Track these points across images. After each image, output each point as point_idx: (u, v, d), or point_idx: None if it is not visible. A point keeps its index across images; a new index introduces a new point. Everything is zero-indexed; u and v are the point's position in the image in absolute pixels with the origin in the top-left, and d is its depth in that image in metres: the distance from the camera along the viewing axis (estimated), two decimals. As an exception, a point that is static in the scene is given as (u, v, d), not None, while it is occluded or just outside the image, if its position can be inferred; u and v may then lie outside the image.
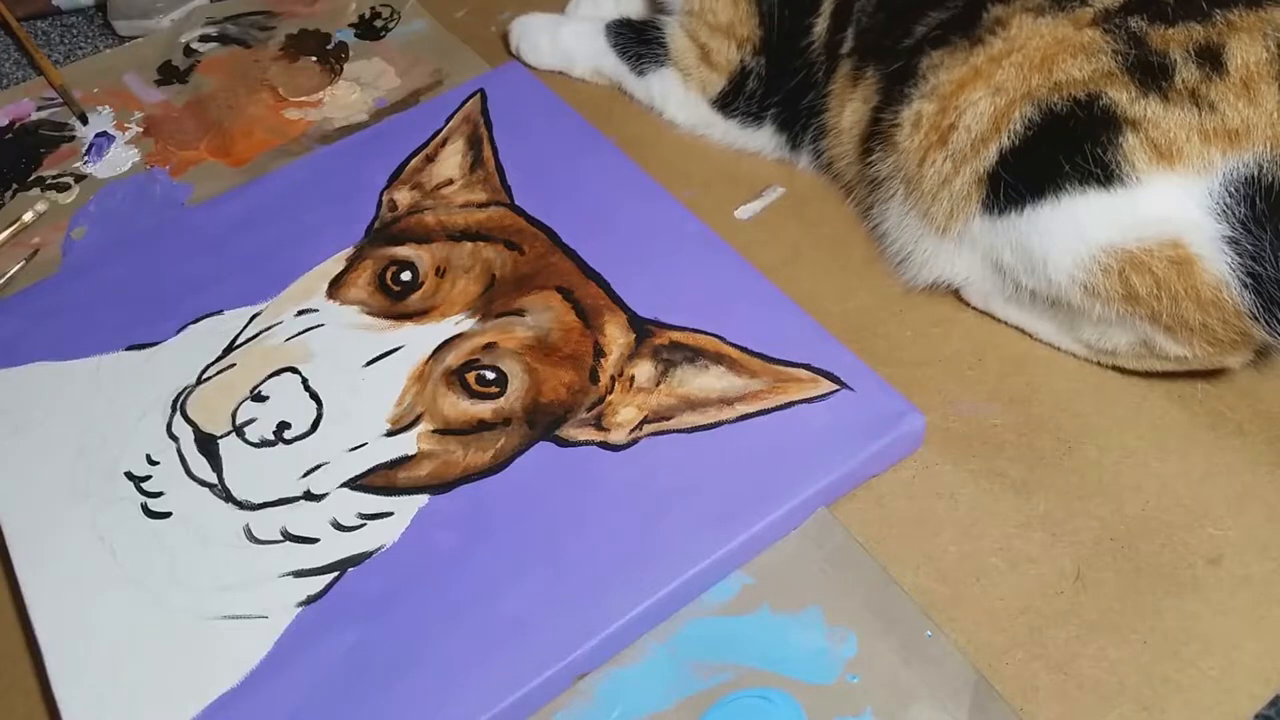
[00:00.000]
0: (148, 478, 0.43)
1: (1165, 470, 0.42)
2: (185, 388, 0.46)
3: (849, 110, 0.50)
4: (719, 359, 0.45)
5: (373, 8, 0.69)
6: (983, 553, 0.41)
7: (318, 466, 0.43)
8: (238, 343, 0.48)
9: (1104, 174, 0.40)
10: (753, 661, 0.38)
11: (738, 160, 0.57)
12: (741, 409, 0.43)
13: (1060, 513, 0.42)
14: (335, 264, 0.51)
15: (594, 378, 0.45)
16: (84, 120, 0.63)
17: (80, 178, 0.60)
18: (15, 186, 0.60)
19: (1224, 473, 0.42)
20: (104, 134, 0.62)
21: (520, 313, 0.48)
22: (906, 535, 0.41)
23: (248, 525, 0.41)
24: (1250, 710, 0.36)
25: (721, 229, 0.53)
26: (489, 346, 0.46)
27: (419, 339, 0.47)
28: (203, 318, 0.49)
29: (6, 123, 0.64)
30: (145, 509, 0.42)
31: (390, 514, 0.41)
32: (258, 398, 0.45)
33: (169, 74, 0.66)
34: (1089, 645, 0.38)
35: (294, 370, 0.46)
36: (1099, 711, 0.36)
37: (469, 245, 0.51)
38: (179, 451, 0.44)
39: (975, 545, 0.41)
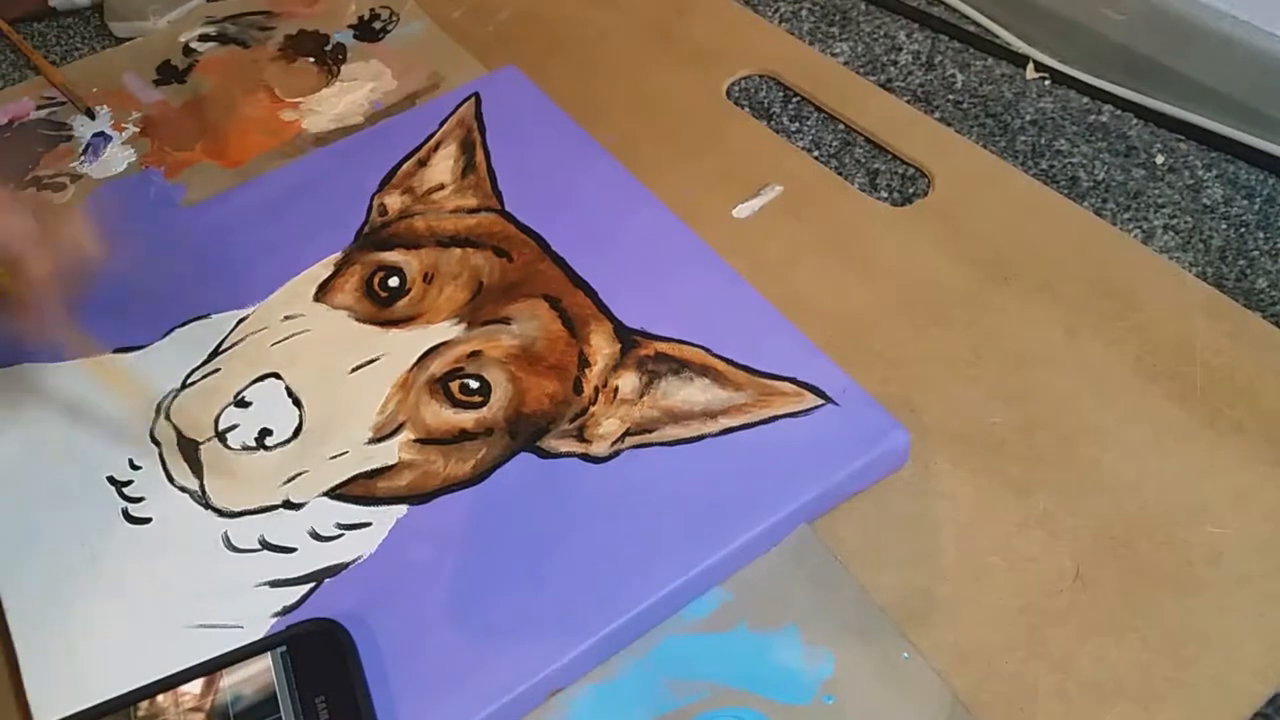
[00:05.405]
0: (129, 483, 0.43)
1: (1164, 469, 0.42)
2: (170, 392, 0.46)
3: None
4: (704, 371, 0.45)
5: (372, 9, 0.69)
6: (982, 551, 0.40)
7: (298, 474, 0.43)
8: (223, 347, 0.48)
9: None
10: (728, 680, 0.37)
11: (736, 159, 0.57)
12: (725, 422, 0.43)
13: (1059, 511, 0.41)
14: (324, 268, 0.51)
15: (578, 388, 0.45)
16: (91, 115, 0.63)
17: (76, 178, 0.60)
18: (12, 186, 0.60)
19: (1223, 471, 0.42)
20: (101, 134, 0.62)
21: (506, 321, 0.47)
22: (905, 534, 0.41)
23: (226, 533, 0.41)
24: (1249, 709, 0.36)
25: (719, 228, 0.52)
26: (474, 355, 0.46)
27: (404, 346, 0.47)
28: (190, 321, 0.49)
29: (5, 121, 0.64)
30: (126, 514, 0.42)
31: (369, 524, 0.41)
32: (241, 403, 0.45)
33: (168, 74, 0.66)
34: (1088, 644, 0.38)
35: (278, 376, 0.46)
36: (1098, 710, 0.36)
37: (458, 251, 0.51)
38: (161, 457, 0.44)
39: (974, 544, 0.41)
